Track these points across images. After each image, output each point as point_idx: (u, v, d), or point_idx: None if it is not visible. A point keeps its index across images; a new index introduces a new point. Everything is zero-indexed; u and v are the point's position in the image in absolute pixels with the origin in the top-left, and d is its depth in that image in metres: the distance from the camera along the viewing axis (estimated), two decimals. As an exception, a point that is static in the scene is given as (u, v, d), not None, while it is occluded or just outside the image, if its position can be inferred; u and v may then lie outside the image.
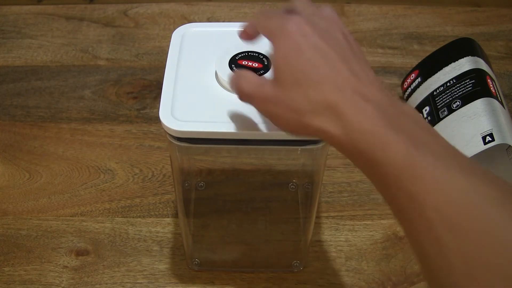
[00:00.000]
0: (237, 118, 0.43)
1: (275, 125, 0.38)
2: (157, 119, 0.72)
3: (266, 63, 0.46)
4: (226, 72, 0.45)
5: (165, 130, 0.43)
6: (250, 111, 0.43)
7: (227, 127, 0.43)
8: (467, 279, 0.29)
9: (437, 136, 0.33)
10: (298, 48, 0.35)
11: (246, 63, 0.46)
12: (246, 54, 0.47)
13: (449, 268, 0.29)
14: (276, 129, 0.41)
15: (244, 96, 0.39)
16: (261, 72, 0.45)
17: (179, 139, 0.44)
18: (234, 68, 0.46)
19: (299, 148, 0.49)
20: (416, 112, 0.34)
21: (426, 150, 0.31)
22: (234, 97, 0.44)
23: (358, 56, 0.37)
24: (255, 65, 0.46)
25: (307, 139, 0.44)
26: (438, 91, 0.67)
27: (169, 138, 0.44)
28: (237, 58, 0.47)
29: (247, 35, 0.42)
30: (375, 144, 0.32)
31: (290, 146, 0.47)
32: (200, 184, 0.64)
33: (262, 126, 0.43)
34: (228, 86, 0.45)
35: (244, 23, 0.42)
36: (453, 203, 0.29)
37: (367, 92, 0.34)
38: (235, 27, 0.49)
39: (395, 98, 0.35)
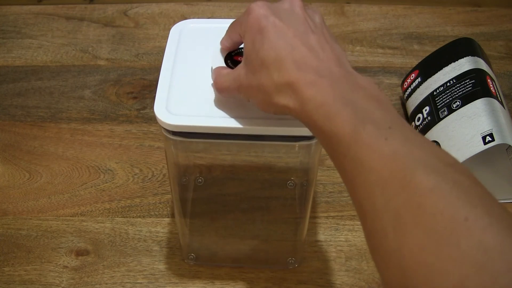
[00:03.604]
0: (231, 113, 0.43)
1: (257, 107, 0.41)
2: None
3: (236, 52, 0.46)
4: None
5: (160, 125, 0.44)
6: (244, 106, 0.43)
7: (221, 122, 0.43)
8: (395, 231, 0.31)
9: (385, 107, 0.36)
10: (260, 30, 0.38)
11: (241, 59, 0.46)
12: (242, 50, 0.47)
13: (379, 223, 0.32)
14: (270, 124, 0.42)
15: (222, 91, 0.43)
16: None
17: (174, 133, 0.44)
18: (230, 64, 0.46)
19: (296, 144, 0.49)
20: (370, 83, 0.37)
21: (371, 120, 0.34)
22: None
23: (318, 31, 0.39)
24: None
25: (301, 135, 0.44)
26: (438, 91, 0.67)
27: (164, 133, 0.44)
28: (233, 54, 0.47)
29: (226, 47, 0.46)
30: (325, 116, 0.35)
31: (284, 142, 0.47)
32: (198, 180, 0.64)
33: (255, 121, 0.43)
34: None
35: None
36: (387, 165, 0.32)
37: (323, 67, 0.37)
38: None
39: (351, 71, 0.38)
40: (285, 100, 0.37)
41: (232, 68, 0.45)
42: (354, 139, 0.34)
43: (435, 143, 0.34)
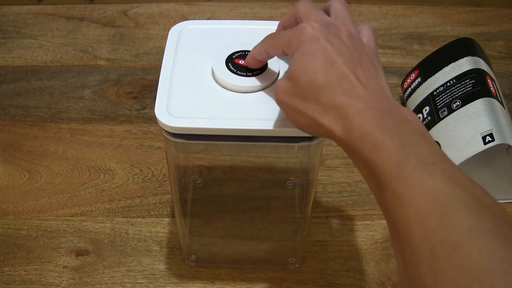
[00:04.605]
0: (232, 114, 0.44)
1: (290, 121, 0.41)
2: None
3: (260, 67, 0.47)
4: (222, 71, 0.46)
5: (160, 127, 0.44)
6: (245, 108, 0.43)
7: (222, 124, 0.43)
8: (430, 267, 0.31)
9: (430, 142, 0.36)
10: (311, 54, 0.38)
11: (243, 62, 0.46)
12: (243, 53, 0.47)
13: (415, 258, 0.32)
14: (271, 126, 0.41)
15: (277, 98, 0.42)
16: (257, 72, 0.46)
17: (174, 135, 0.44)
18: (231, 67, 0.46)
19: (296, 145, 0.49)
20: (415, 117, 0.37)
21: (416, 154, 0.34)
22: (230, 94, 0.44)
23: (364, 62, 0.39)
24: None
25: (301, 136, 0.44)
26: (438, 91, 0.67)
27: (165, 135, 0.44)
28: (234, 57, 0.47)
29: (257, 61, 0.45)
30: (370, 146, 0.35)
31: (284, 143, 0.47)
32: (198, 181, 0.64)
33: (256, 122, 0.43)
34: (224, 84, 0.45)
35: (252, 50, 0.45)
36: (428, 200, 0.33)
37: (370, 98, 0.37)
38: (232, 25, 0.50)
39: (396, 103, 0.38)
40: (330, 123, 0.37)
41: (233, 71, 0.46)
42: (397, 172, 0.34)
43: (474, 182, 0.34)
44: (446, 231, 0.31)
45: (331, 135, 0.38)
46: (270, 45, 0.43)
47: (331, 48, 0.38)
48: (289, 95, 0.40)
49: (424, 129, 0.37)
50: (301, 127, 0.40)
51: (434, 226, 0.32)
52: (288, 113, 0.41)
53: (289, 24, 0.44)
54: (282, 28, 0.45)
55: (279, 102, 0.41)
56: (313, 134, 0.40)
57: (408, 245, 0.33)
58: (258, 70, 0.46)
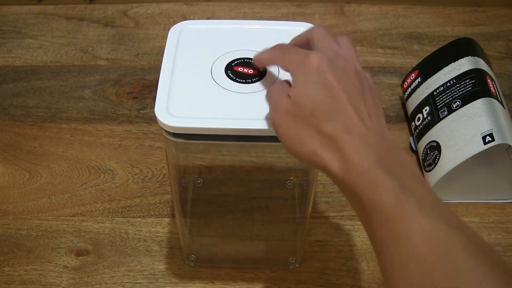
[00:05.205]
0: (232, 114, 0.44)
1: (284, 146, 0.40)
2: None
3: (261, 70, 0.47)
4: (222, 78, 0.46)
5: (160, 127, 0.44)
6: (245, 108, 0.44)
7: (222, 124, 0.43)
8: None
9: (424, 184, 0.37)
10: (317, 84, 0.38)
11: (242, 69, 0.46)
12: (243, 60, 0.47)
13: None
14: (270, 126, 0.42)
15: (267, 96, 0.44)
16: (255, 78, 0.46)
17: (174, 135, 0.44)
18: (230, 74, 0.46)
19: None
20: (410, 159, 0.38)
21: (414, 196, 0.34)
22: (230, 94, 0.45)
23: (367, 100, 0.39)
24: (250, 71, 0.47)
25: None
26: (438, 91, 0.67)
27: (165, 134, 0.44)
28: (233, 64, 0.47)
29: (262, 64, 0.46)
30: (368, 184, 0.35)
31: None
32: (198, 181, 0.64)
33: (256, 122, 0.43)
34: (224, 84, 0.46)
35: (261, 53, 0.45)
36: (428, 241, 0.33)
37: (370, 137, 0.37)
38: (232, 25, 0.50)
39: (393, 144, 0.38)
40: (328, 156, 0.37)
41: (233, 79, 0.46)
42: (395, 212, 0.34)
43: (469, 226, 0.36)
44: (448, 273, 0.31)
45: (326, 170, 0.38)
46: (278, 58, 0.43)
47: (336, 84, 0.38)
48: (292, 116, 0.39)
49: (419, 172, 0.37)
50: (297, 154, 0.40)
51: (434, 268, 0.32)
52: (285, 137, 0.40)
53: (301, 45, 0.43)
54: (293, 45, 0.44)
55: (277, 122, 0.40)
56: (307, 164, 0.39)
57: (406, 284, 0.33)
58: (256, 77, 0.46)
